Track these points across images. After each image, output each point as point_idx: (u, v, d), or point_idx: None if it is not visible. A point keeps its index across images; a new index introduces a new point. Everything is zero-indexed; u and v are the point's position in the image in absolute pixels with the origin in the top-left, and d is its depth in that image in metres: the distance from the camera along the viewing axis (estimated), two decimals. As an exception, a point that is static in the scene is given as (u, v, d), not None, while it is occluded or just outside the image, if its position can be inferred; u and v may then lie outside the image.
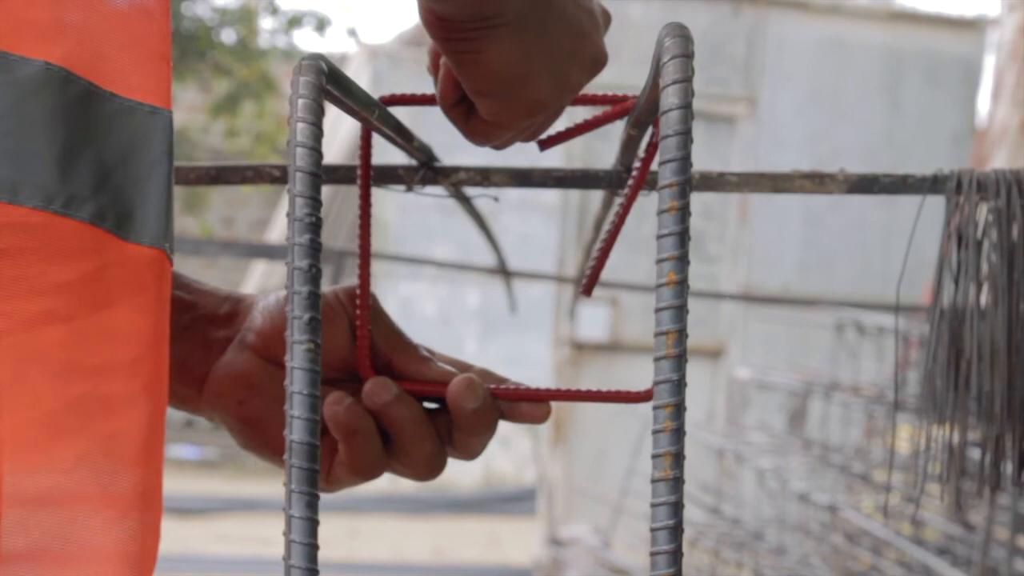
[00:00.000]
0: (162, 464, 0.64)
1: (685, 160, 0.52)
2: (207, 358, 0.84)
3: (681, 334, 0.53)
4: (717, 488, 5.39)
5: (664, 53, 0.54)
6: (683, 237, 0.53)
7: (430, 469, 0.84)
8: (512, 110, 0.78)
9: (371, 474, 0.84)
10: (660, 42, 0.55)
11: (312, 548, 0.54)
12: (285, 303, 0.72)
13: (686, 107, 0.52)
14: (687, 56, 0.53)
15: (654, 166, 0.88)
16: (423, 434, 0.83)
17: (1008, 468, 1.15)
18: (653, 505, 0.51)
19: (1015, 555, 3.32)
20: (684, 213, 0.52)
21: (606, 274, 0.96)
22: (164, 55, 0.65)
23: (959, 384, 1.14)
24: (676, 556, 0.51)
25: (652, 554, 0.51)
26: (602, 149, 6.99)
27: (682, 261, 0.52)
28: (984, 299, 1.13)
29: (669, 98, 0.53)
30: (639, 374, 6.75)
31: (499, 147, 0.84)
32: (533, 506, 8.36)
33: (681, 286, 0.53)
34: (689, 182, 0.52)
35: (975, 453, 1.18)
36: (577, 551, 5.76)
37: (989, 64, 8.90)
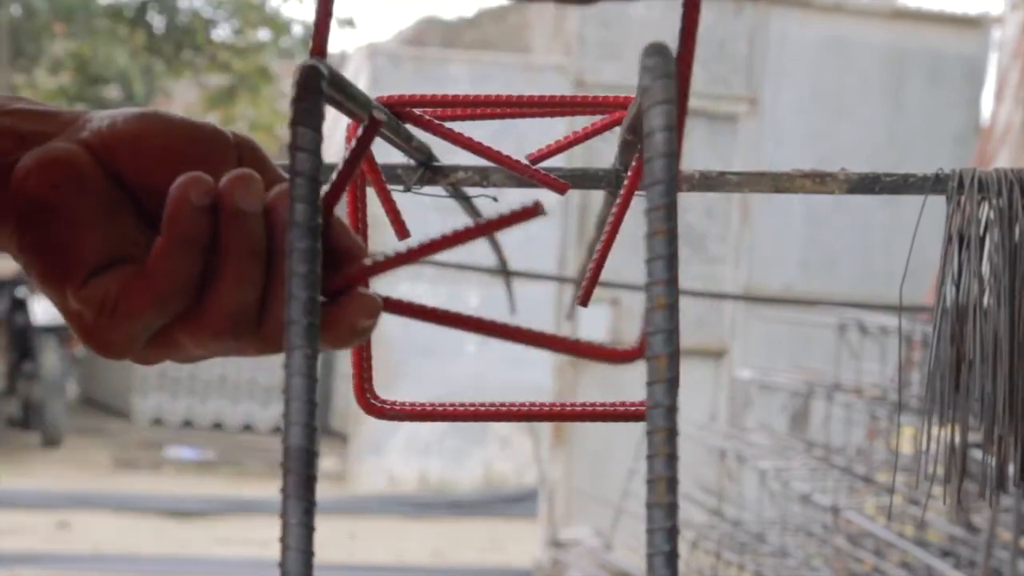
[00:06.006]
0: None
1: (671, 183, 0.52)
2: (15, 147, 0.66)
3: (672, 358, 0.53)
4: (719, 489, 5.38)
5: (645, 74, 0.53)
6: (672, 261, 0.52)
7: (228, 326, 0.64)
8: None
9: (168, 304, 0.63)
10: (641, 63, 0.54)
11: (308, 555, 0.53)
12: (146, 114, 0.65)
13: (670, 129, 0.52)
14: (668, 76, 0.52)
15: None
16: (248, 273, 0.64)
17: (1011, 469, 1.14)
18: (648, 531, 0.51)
19: (1019, 556, 3.32)
20: (672, 237, 0.52)
21: (606, 274, 0.95)
22: None
23: (961, 385, 1.13)
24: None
25: None
26: (602, 148, 6.99)
27: (671, 285, 0.52)
28: (987, 299, 1.12)
29: (653, 120, 0.52)
30: (640, 376, 6.74)
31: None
32: (534, 508, 8.35)
33: (671, 310, 0.52)
34: (675, 205, 0.52)
35: (978, 454, 1.17)
36: (578, 553, 5.76)
37: (992, 62, 8.90)
